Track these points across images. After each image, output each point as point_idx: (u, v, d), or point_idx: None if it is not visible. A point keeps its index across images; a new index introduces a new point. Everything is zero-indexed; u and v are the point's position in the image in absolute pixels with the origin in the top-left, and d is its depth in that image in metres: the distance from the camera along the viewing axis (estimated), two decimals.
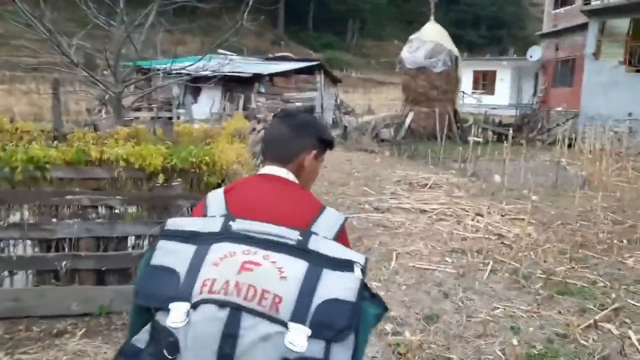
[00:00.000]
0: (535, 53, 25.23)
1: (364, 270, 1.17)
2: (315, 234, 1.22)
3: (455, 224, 7.09)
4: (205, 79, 16.94)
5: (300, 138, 1.49)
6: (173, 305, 1.07)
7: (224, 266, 1.10)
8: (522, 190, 9.96)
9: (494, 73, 37.24)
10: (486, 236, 6.47)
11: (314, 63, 21.72)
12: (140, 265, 1.19)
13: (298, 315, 1.05)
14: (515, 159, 14.88)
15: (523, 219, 7.48)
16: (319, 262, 1.13)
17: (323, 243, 1.19)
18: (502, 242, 6.29)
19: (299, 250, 1.15)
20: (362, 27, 68.12)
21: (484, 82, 37.39)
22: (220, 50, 24.60)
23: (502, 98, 35.60)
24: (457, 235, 6.49)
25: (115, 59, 7.98)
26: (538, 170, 12.92)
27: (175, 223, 1.22)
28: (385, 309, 1.20)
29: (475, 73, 36.37)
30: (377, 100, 40.85)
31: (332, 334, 1.06)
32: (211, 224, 1.21)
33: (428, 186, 9.85)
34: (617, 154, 15.38)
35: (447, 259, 5.60)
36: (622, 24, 18.20)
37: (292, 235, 1.18)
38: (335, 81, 24.43)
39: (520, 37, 64.92)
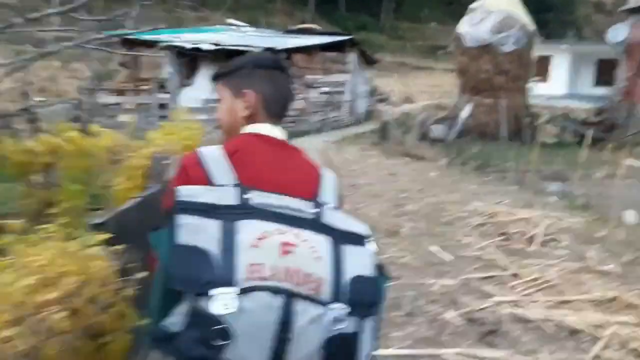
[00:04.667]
0: (620, 33, 20.30)
1: (373, 242, 1.20)
2: (325, 203, 1.22)
3: None
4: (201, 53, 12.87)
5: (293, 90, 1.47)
6: (217, 291, 1.01)
7: (264, 249, 1.07)
8: None
9: (548, 58, 32.29)
10: None
11: (345, 38, 17.42)
12: (161, 243, 1.08)
13: (337, 295, 1.07)
14: (617, 173, 10.52)
15: None
16: (337, 238, 1.15)
17: (334, 215, 1.19)
18: None
19: (318, 224, 1.15)
20: (397, 8, 63.22)
21: (538, 68, 32.63)
22: (230, 20, 20.54)
23: (558, 87, 30.96)
24: None
25: None
26: None
27: (187, 192, 1.12)
28: (389, 278, 1.24)
29: None
30: (415, 87, 36.24)
31: (365, 310, 1.10)
32: (226, 195, 1.14)
33: (539, 240, 5.66)
34: None
35: None
36: None
37: (308, 209, 1.17)
38: (370, 62, 20.15)
39: (569, 21, 59.31)
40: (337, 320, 1.05)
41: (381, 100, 26.80)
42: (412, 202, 7.29)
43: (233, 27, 18.23)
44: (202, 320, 1.01)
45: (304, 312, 1.04)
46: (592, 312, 3.88)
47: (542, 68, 31.95)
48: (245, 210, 1.11)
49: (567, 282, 4.47)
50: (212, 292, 1.01)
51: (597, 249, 5.56)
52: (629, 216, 7.27)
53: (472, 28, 14.68)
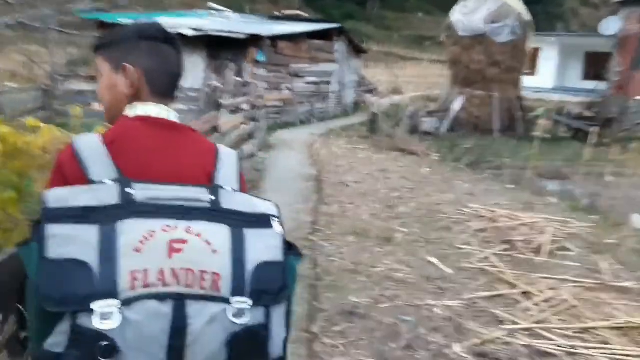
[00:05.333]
0: (612, 26, 19.90)
1: (280, 221, 1.10)
2: (222, 187, 1.10)
3: None
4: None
5: (182, 65, 1.29)
6: (97, 305, 0.90)
7: (149, 251, 0.95)
8: None
9: (537, 50, 31.79)
10: None
11: (333, 26, 16.72)
12: (29, 261, 0.94)
13: (238, 289, 0.98)
14: (619, 171, 10.08)
15: None
16: (237, 223, 1.04)
17: (233, 198, 1.09)
18: None
19: (215, 212, 1.04)
20: None
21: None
22: (212, 4, 19.70)
23: (546, 80, 30.53)
24: None
25: None
26: None
27: (58, 197, 0.97)
28: (301, 255, 1.14)
29: None
30: (402, 78, 35.64)
31: (271, 299, 1.02)
32: (105, 193, 0.99)
33: (547, 249, 5.12)
34: None
35: None
36: None
37: (202, 196, 1.05)
38: (358, 52, 19.50)
39: (556, 14, 59.15)
40: (238, 314, 0.97)
41: (369, 91, 26.18)
42: (405, 202, 6.71)
43: (215, 13, 17.43)
44: (85, 338, 0.91)
45: (199, 314, 0.94)
46: (619, 343, 3.34)
47: (530, 60, 31.57)
48: (128, 209, 0.98)
49: (585, 303, 3.94)
50: (93, 306, 0.90)
51: (609, 259, 5.05)
52: (637, 221, 6.79)
53: (465, 17, 14.10)
